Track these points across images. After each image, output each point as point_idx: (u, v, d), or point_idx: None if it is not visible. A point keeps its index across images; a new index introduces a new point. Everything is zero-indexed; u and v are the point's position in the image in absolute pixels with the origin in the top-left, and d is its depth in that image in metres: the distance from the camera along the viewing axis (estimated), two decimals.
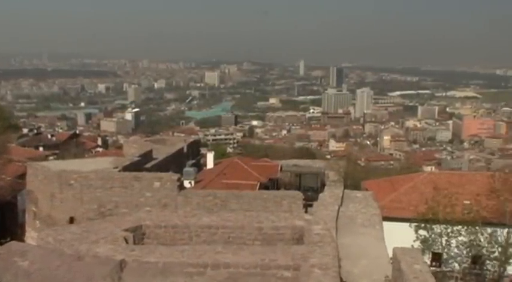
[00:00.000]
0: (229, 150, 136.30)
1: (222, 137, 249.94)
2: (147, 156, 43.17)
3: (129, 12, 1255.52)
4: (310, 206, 28.67)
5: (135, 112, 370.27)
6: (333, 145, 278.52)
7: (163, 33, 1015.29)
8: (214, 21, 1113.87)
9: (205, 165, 56.66)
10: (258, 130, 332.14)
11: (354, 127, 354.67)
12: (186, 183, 39.98)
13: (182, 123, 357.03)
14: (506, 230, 41.52)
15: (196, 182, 44.96)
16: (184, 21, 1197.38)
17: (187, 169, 46.85)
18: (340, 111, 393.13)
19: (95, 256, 13.57)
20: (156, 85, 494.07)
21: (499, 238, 41.37)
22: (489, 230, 41.32)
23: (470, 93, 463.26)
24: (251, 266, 13.30)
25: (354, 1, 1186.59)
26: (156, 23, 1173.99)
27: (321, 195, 29.43)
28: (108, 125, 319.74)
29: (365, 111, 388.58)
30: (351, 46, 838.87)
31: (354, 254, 20.11)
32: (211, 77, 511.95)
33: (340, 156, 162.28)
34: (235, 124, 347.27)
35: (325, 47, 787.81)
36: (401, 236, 31.23)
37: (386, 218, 30.20)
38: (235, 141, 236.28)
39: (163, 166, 41.25)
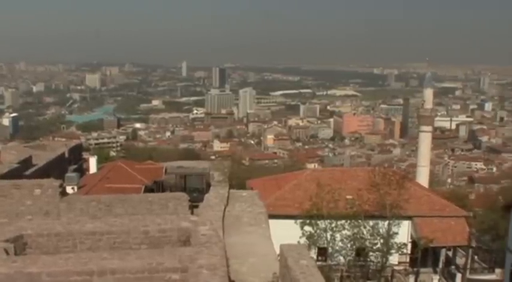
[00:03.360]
0: (112, 153, 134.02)
1: (105, 140, 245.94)
2: (26, 162, 41.86)
3: (2, 13, 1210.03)
4: (196, 207, 28.55)
5: (13, 117, 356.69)
6: (217, 145, 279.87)
7: (41, 35, 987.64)
8: (93, 22, 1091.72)
9: (88, 170, 55.62)
10: (141, 132, 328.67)
11: (238, 127, 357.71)
12: (69, 189, 39.04)
13: (63, 127, 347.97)
14: (387, 222, 43.08)
15: (79, 188, 44.01)
16: (61, 21, 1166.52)
17: (70, 174, 45.79)
18: (223, 111, 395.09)
19: None
20: (34, 88, 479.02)
21: (381, 230, 42.88)
22: (371, 222, 42.77)
23: (350, 92, 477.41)
24: (138, 270, 13.11)
25: (233, 1, 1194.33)
26: (33, 24, 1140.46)
27: (206, 195, 29.36)
28: None
29: (248, 111, 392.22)
30: (233, 46, 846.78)
31: (241, 252, 20.18)
32: (92, 80, 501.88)
33: (224, 156, 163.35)
34: (118, 127, 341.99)
35: (207, 48, 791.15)
36: (287, 232, 31.66)
37: (272, 216, 30.51)
38: (118, 144, 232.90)
39: (44, 172, 40.06)
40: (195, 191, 43.72)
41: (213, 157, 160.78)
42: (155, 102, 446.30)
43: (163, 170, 52.01)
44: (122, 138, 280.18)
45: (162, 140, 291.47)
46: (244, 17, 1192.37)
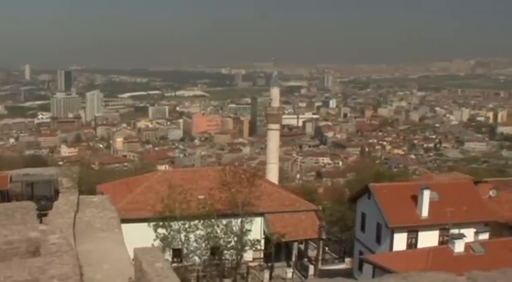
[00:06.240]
0: None
1: None
2: None
3: None
4: (45, 215, 27.71)
5: None
6: (65, 151, 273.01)
7: None
8: None
9: None
10: None
11: (86, 131, 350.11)
12: None
13: None
14: (239, 220, 43.79)
15: None
16: None
17: None
18: (70, 115, 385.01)
19: None
20: None
21: (234, 228, 43.52)
22: (224, 221, 43.34)
23: (199, 92, 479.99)
24: None
25: (73, 2, 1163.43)
26: None
27: (55, 203, 28.52)
28: None
29: (96, 114, 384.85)
30: (77, 48, 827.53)
31: (95, 259, 19.80)
32: None
33: (73, 161, 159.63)
34: None
35: (51, 50, 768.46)
36: (141, 236, 31.42)
37: (125, 220, 30.15)
38: None
39: None
40: (43, 198, 42.51)
41: (61, 163, 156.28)
42: None
43: (8, 179, 49.93)
44: None
45: (6, 147, 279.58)
46: (88, 18, 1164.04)
